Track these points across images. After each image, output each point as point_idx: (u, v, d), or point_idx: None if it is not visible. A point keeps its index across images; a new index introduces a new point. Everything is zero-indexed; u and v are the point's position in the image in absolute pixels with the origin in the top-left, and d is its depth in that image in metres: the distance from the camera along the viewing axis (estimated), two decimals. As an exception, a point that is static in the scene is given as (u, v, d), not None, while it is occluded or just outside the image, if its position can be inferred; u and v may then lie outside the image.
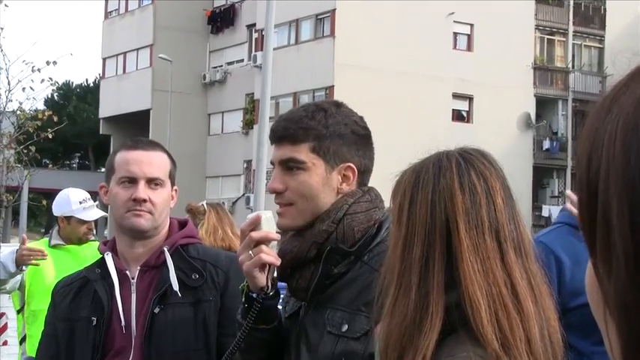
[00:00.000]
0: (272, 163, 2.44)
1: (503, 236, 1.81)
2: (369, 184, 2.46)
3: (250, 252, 2.31)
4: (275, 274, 2.40)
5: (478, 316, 1.72)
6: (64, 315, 2.96)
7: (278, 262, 2.33)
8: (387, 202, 2.16)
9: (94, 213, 5.74)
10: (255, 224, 2.33)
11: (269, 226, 2.34)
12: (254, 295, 2.35)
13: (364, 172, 2.43)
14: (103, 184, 2.98)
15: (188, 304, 2.83)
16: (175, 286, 2.81)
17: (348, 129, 2.40)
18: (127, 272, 2.90)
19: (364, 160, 2.43)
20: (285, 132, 2.39)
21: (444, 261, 1.78)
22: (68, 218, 5.71)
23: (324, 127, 2.37)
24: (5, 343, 10.68)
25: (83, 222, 5.71)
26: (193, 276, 2.86)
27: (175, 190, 2.99)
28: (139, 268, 2.90)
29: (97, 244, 5.59)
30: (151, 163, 2.90)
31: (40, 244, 5.89)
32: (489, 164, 1.88)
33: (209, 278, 2.87)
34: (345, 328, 2.27)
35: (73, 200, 5.69)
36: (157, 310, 2.82)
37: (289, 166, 2.38)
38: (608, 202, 0.83)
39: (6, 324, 11.12)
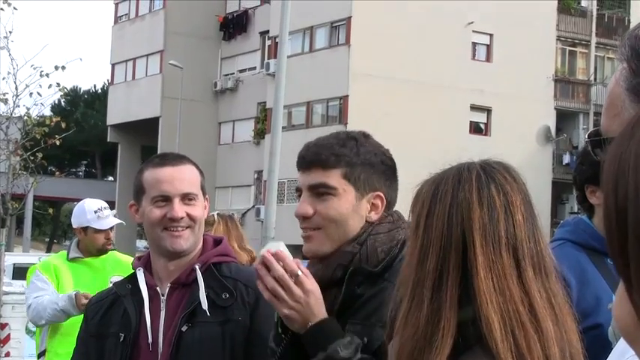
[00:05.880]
0: (298, 189, 2.50)
1: (521, 253, 1.80)
2: None
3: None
4: None
5: (493, 334, 1.71)
6: (95, 331, 2.99)
7: None
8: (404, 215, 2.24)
9: (109, 221, 5.84)
10: (282, 259, 2.34)
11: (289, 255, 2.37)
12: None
13: (390, 203, 2.49)
14: (133, 202, 2.99)
15: (216, 323, 2.83)
16: (204, 305, 2.81)
17: (378, 159, 2.48)
18: (158, 289, 2.92)
19: (391, 191, 2.50)
20: (316, 157, 2.45)
21: (459, 275, 1.77)
22: (85, 229, 5.82)
23: (356, 155, 2.44)
24: (8, 354, 10.84)
25: (100, 231, 5.82)
26: (223, 295, 2.87)
27: (207, 198, 3.01)
28: (169, 285, 2.91)
29: (118, 253, 6.09)
30: (183, 178, 2.91)
31: (58, 257, 6.10)
32: (511, 178, 1.87)
33: (239, 298, 2.87)
34: (365, 341, 2.32)
35: (88, 210, 5.82)
36: (184, 329, 2.82)
37: (320, 191, 2.44)
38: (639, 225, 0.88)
39: (9, 335, 11.35)
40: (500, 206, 1.81)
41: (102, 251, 5.86)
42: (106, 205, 5.94)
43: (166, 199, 2.88)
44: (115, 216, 6.01)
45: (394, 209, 2.51)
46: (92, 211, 5.80)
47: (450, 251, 1.78)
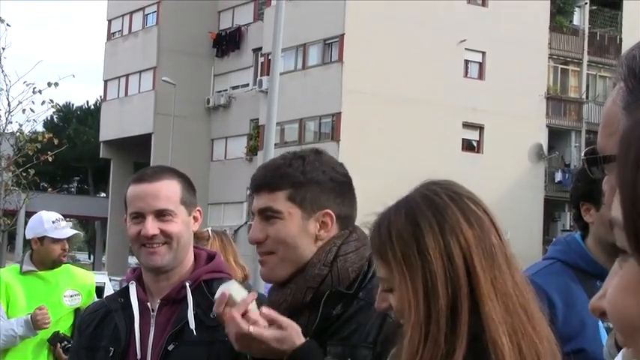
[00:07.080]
0: (252, 212, 2.48)
1: (510, 259, 1.79)
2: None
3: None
4: None
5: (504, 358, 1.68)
6: (87, 343, 2.98)
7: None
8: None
9: (66, 231, 5.84)
10: (227, 302, 2.32)
11: (240, 295, 2.33)
12: None
13: (344, 219, 2.46)
14: (126, 216, 2.99)
15: (203, 343, 2.79)
16: (192, 325, 2.80)
17: (327, 176, 2.44)
18: (149, 304, 2.91)
19: (343, 207, 2.46)
20: (262, 180, 2.44)
21: (470, 304, 1.72)
22: (41, 239, 5.78)
23: (301, 174, 2.42)
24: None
25: (56, 241, 5.77)
26: (212, 315, 2.73)
27: (198, 210, 2.99)
28: (159, 301, 2.90)
29: (72, 267, 6.06)
30: (157, 195, 2.87)
31: (10, 270, 6.01)
32: (470, 193, 1.84)
33: None
34: None
35: (46, 220, 5.79)
36: (170, 348, 2.81)
37: (267, 215, 2.42)
38: None
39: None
40: (487, 220, 1.80)
41: (57, 263, 5.80)
42: (61, 217, 5.92)
43: (141, 216, 2.87)
44: (71, 227, 6.01)
45: (356, 226, 2.47)
46: (50, 221, 5.76)
47: (457, 281, 1.73)
